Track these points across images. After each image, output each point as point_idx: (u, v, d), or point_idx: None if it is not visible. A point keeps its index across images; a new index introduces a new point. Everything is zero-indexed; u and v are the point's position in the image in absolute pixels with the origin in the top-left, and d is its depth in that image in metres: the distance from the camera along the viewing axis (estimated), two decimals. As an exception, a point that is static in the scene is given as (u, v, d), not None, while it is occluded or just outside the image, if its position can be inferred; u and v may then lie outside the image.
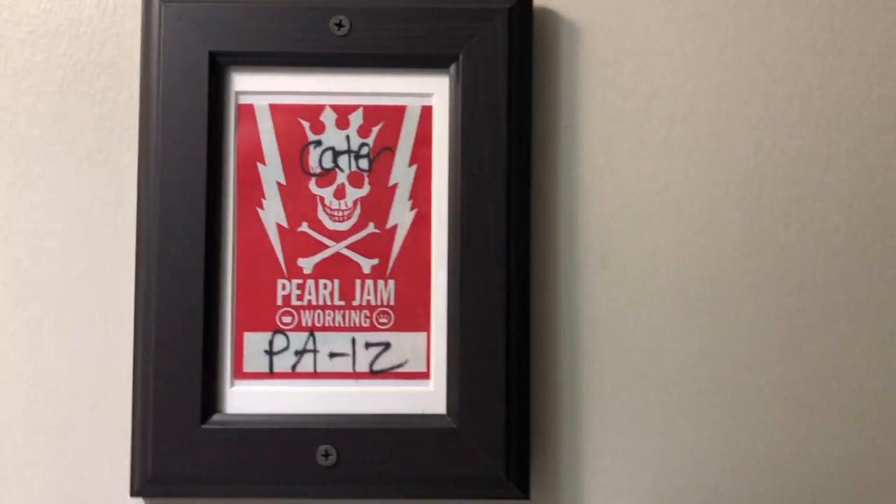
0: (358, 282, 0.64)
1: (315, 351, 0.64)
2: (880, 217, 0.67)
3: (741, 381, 0.66)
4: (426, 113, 0.65)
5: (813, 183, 0.67)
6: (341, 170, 0.64)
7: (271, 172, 0.64)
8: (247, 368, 0.64)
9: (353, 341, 0.64)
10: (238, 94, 0.64)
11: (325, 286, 0.64)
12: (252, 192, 0.64)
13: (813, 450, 0.66)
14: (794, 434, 0.66)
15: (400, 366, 0.64)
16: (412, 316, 0.64)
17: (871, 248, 0.67)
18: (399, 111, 0.65)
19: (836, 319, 0.67)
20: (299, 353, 0.64)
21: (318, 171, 0.65)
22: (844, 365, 0.66)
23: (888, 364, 0.66)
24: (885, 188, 0.67)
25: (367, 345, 0.64)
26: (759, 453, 0.66)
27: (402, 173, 0.65)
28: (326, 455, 0.62)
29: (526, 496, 0.64)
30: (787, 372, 0.66)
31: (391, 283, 0.64)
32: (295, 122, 0.65)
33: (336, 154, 0.65)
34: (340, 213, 0.64)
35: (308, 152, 0.65)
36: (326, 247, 0.64)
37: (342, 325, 0.64)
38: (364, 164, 0.65)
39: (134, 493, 0.63)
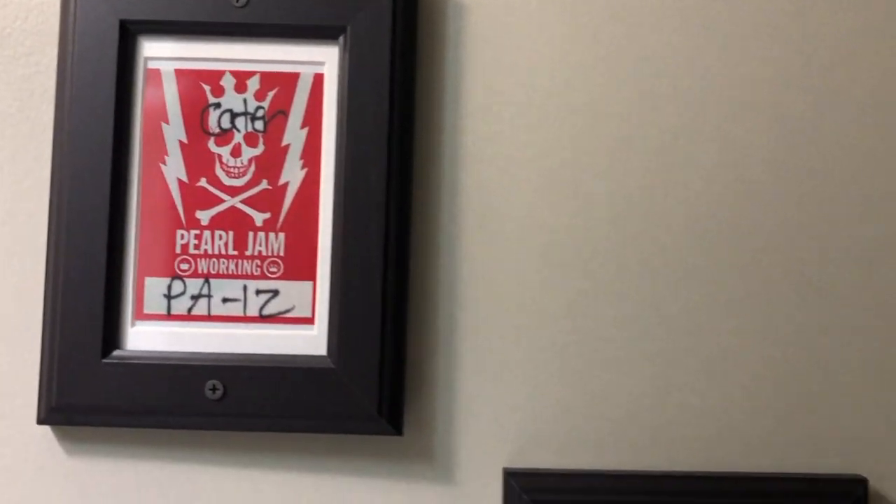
0: (251, 234, 0.70)
1: (209, 296, 0.70)
2: (738, 182, 0.72)
3: (604, 335, 0.72)
4: (318, 80, 0.70)
5: (679, 152, 0.72)
6: (238, 130, 0.70)
7: (174, 131, 0.70)
8: (147, 310, 0.70)
9: (245, 288, 0.70)
10: (146, 59, 0.70)
11: (221, 237, 0.70)
12: (156, 149, 0.70)
13: (669, 399, 0.72)
14: (652, 385, 0.72)
15: (287, 311, 0.70)
16: (300, 266, 0.70)
17: (731, 209, 0.72)
18: (293, 78, 0.70)
19: (695, 279, 0.72)
20: (195, 298, 0.70)
21: (217, 131, 0.70)
22: (701, 322, 0.72)
23: (741, 322, 0.72)
24: (747, 157, 0.72)
25: (258, 291, 0.70)
26: (618, 402, 0.72)
27: (294, 135, 0.70)
28: (214, 389, 0.68)
29: (398, 433, 0.69)
30: (646, 327, 0.72)
31: (281, 235, 0.70)
32: (197, 85, 0.70)
33: (234, 116, 0.70)
34: (236, 170, 0.70)
35: (208, 114, 0.70)
36: (223, 201, 0.70)
37: (235, 273, 0.70)
38: (259, 125, 0.70)
39: (40, 421, 0.69)
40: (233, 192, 0.70)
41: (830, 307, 0.72)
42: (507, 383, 0.72)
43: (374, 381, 0.68)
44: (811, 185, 0.72)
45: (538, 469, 0.71)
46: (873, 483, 0.70)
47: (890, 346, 0.71)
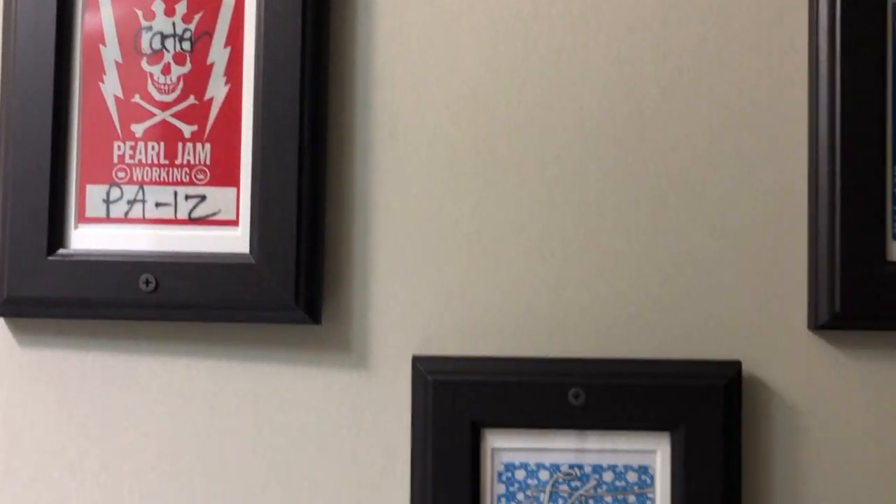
0: (180, 144, 0.77)
1: (144, 201, 0.77)
2: (628, 97, 0.79)
3: (506, 236, 0.79)
4: (239, 3, 0.77)
5: (574, 70, 0.79)
6: (168, 50, 0.78)
7: (111, 53, 0.78)
8: (88, 214, 0.78)
9: (175, 194, 0.78)
10: (84, -14, 0.78)
11: (153, 147, 0.77)
12: (94, 69, 0.78)
13: (565, 293, 0.79)
14: (549, 280, 0.79)
15: (213, 214, 0.77)
16: (225, 173, 0.77)
17: (622, 123, 0.79)
18: (217, 2, 0.78)
19: (589, 185, 0.79)
20: (131, 202, 0.77)
21: (149, 51, 0.78)
22: (594, 224, 0.79)
23: (630, 223, 0.79)
24: (637, 75, 0.79)
25: (187, 197, 0.78)
26: (518, 297, 0.79)
27: (218, 54, 0.77)
28: (147, 283, 0.76)
29: (316, 322, 0.77)
30: (544, 229, 0.79)
31: (207, 146, 0.77)
32: (131, 10, 0.78)
33: (164, 37, 0.78)
34: (166, 87, 0.77)
35: (141, 36, 0.78)
36: (154, 115, 0.77)
37: (166, 180, 0.77)
38: (187, 45, 0.78)
39: (-8, 314, 0.77)
40: (164, 106, 0.77)
41: (711, 209, 0.79)
42: (418, 280, 0.79)
43: (291, 275, 0.76)
44: (696, 100, 0.79)
45: (443, 356, 0.78)
46: (747, 366, 0.77)
47: (761, 243, 0.78)
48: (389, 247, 0.79)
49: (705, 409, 0.75)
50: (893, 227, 0.77)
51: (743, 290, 0.78)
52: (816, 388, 0.78)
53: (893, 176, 0.77)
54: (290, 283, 0.76)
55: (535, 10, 0.80)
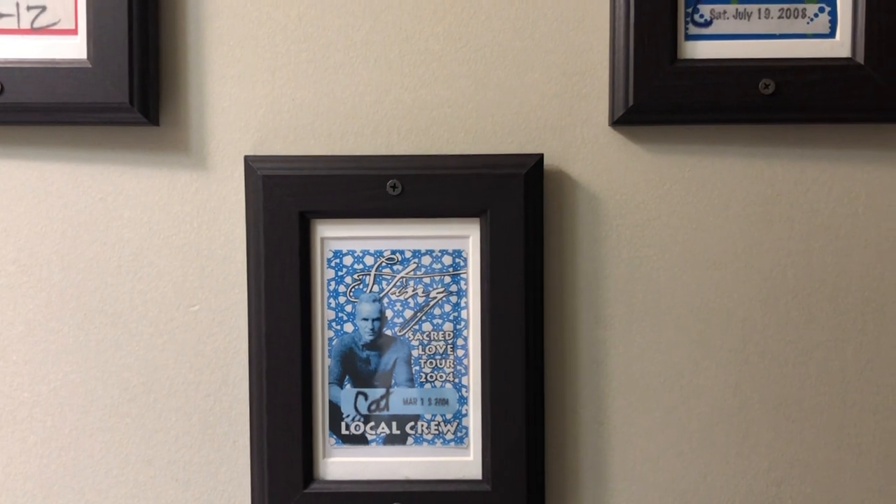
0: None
1: (-14, 11, 0.83)
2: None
3: (333, 41, 0.85)
4: None
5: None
6: None
7: None
8: (-66, 25, 0.83)
9: (17, 5, 0.83)
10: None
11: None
12: None
13: (387, 97, 0.86)
14: (372, 85, 0.85)
15: (54, 24, 0.83)
16: (61, -16, 0.83)
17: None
18: None
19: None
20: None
21: None
22: (414, 30, 0.85)
23: (447, 30, 0.85)
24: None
25: (28, 7, 0.83)
26: (344, 100, 0.85)
27: None
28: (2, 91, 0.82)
29: (154, 123, 0.83)
30: (364, 36, 0.85)
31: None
32: None
33: None
34: None
35: None
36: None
37: (7, -9, 0.83)
38: None
39: None
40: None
41: (519, 13, 0.85)
42: (250, 84, 0.85)
43: (124, 78, 0.81)
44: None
45: (274, 155, 0.85)
46: (552, 160, 0.85)
47: (566, 45, 0.85)
48: (223, 54, 0.85)
49: (509, 197, 0.83)
50: (686, 28, 0.83)
51: (548, 89, 0.85)
52: (615, 178, 0.86)
53: (686, -20, 0.83)
54: (125, 86, 0.81)
55: None
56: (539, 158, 0.84)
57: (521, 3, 0.85)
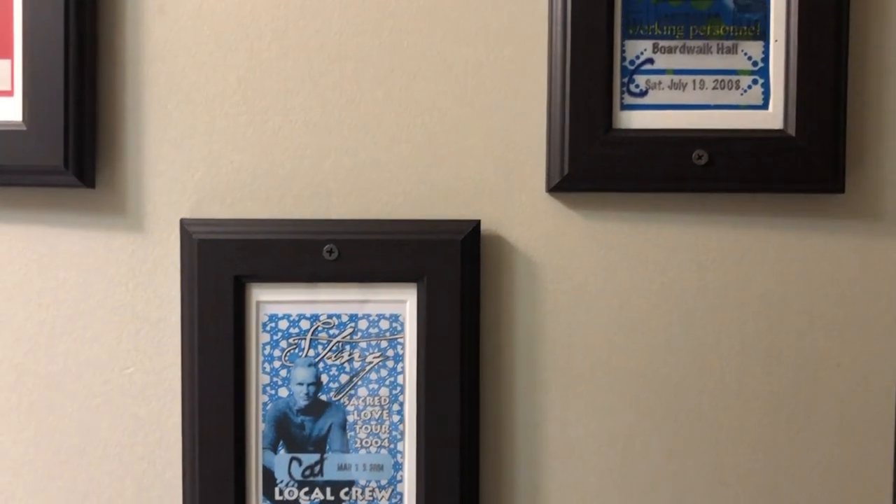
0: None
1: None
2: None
3: (269, 107, 0.85)
4: None
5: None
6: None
7: None
8: None
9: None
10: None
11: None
12: None
13: (325, 160, 0.86)
14: (312, 147, 0.85)
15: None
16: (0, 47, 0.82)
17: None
18: None
19: (347, 58, 0.85)
20: None
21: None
22: (353, 92, 0.85)
23: (386, 92, 0.85)
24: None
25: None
26: (282, 162, 0.85)
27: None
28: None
29: (90, 186, 0.83)
30: (306, 100, 0.85)
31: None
32: None
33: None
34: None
35: None
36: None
37: (-59, 51, 0.82)
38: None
39: None
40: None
41: (458, 79, 0.85)
42: (189, 148, 0.85)
43: (60, 141, 0.81)
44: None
45: (209, 218, 0.85)
46: (489, 225, 0.85)
47: (504, 112, 0.85)
48: (161, 116, 0.85)
49: (446, 262, 0.83)
50: (622, 98, 0.84)
51: (487, 154, 0.86)
52: (552, 243, 0.86)
53: (622, 50, 0.84)
54: (60, 149, 0.81)
55: None
56: (476, 224, 0.84)
57: (461, 70, 0.85)
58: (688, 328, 0.87)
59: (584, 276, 0.86)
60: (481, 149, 0.86)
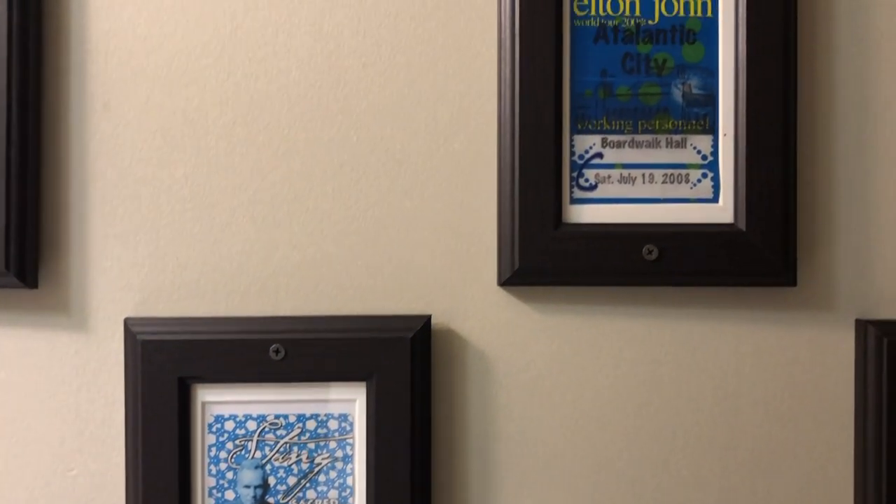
0: None
1: None
2: (330, 69, 0.84)
3: (218, 201, 0.84)
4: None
5: (279, 44, 0.84)
6: None
7: None
8: None
9: None
10: None
11: None
12: None
13: (273, 255, 0.84)
14: (259, 242, 0.84)
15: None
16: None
17: (325, 92, 0.84)
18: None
19: (296, 151, 0.84)
20: None
21: None
22: (301, 186, 0.84)
23: (336, 186, 0.84)
24: (338, 48, 0.84)
25: None
26: (230, 257, 0.84)
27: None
28: None
29: (32, 286, 0.81)
30: (251, 194, 0.84)
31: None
32: None
33: None
34: None
35: None
36: None
37: None
38: None
39: None
40: None
41: (408, 173, 0.85)
42: (134, 245, 0.84)
43: (0, 243, 0.80)
44: (394, 72, 0.84)
45: (154, 317, 0.83)
46: (441, 319, 0.84)
47: (455, 205, 0.85)
48: (105, 213, 0.84)
49: (396, 360, 0.82)
50: (571, 192, 0.84)
51: (438, 248, 0.85)
52: (504, 337, 0.85)
53: (572, 144, 0.84)
54: (0, 251, 0.79)
55: (241, -13, 0.84)
56: (427, 319, 0.83)
57: (411, 164, 0.85)
58: (643, 422, 0.85)
59: (537, 370, 0.85)
60: (432, 242, 0.85)
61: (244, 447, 0.83)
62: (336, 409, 0.83)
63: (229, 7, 0.84)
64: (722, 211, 0.83)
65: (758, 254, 0.82)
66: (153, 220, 0.84)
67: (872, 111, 0.85)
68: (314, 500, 0.83)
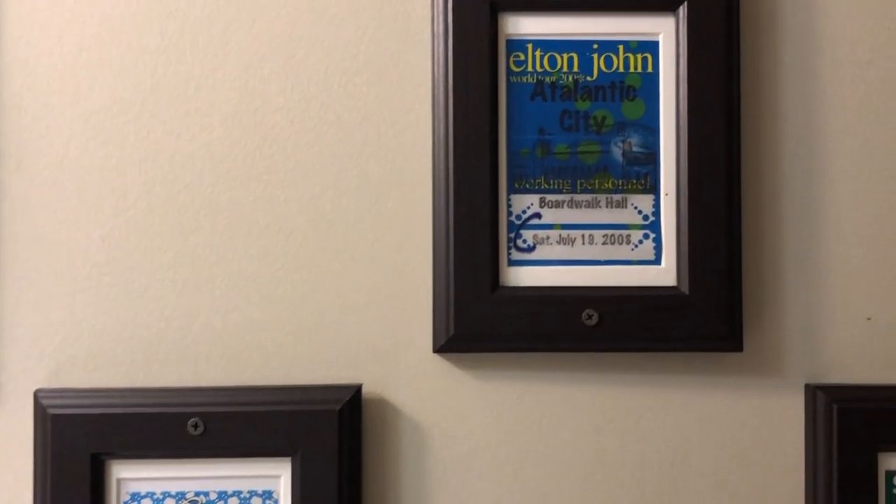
0: None
1: None
2: (256, 125, 0.80)
3: (135, 265, 0.79)
4: None
5: (202, 100, 0.80)
6: None
7: None
8: None
9: None
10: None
11: None
12: None
13: (196, 321, 0.80)
14: (180, 309, 0.80)
15: None
16: None
17: (251, 150, 0.80)
18: None
19: (219, 212, 0.80)
20: None
21: None
22: (225, 251, 0.80)
23: (261, 249, 0.80)
24: (264, 104, 0.80)
25: None
26: (149, 325, 0.80)
27: None
28: None
29: (-68, 358, 0.77)
30: (174, 257, 0.80)
31: None
32: None
33: None
34: None
35: None
36: None
37: None
38: None
39: None
40: None
41: (339, 236, 0.81)
42: (47, 311, 0.79)
43: None
44: (324, 129, 0.81)
45: (66, 388, 0.78)
46: (374, 388, 0.80)
47: (388, 270, 0.81)
48: (17, 278, 0.79)
49: (322, 434, 0.77)
50: (509, 254, 0.80)
51: (369, 313, 0.81)
52: (440, 406, 0.81)
53: (509, 204, 0.80)
54: None
55: (162, 41, 0.80)
56: (357, 389, 0.79)
57: (341, 224, 0.81)
58: (586, 492, 0.81)
59: (475, 440, 0.81)
60: (363, 307, 0.81)
61: (162, 527, 0.78)
62: (260, 486, 0.78)
63: (150, 61, 0.80)
64: (664, 273, 0.80)
65: (702, 318, 0.79)
66: (68, 285, 0.79)
67: (818, 168, 0.82)
68: (236, 584, 0.78)
